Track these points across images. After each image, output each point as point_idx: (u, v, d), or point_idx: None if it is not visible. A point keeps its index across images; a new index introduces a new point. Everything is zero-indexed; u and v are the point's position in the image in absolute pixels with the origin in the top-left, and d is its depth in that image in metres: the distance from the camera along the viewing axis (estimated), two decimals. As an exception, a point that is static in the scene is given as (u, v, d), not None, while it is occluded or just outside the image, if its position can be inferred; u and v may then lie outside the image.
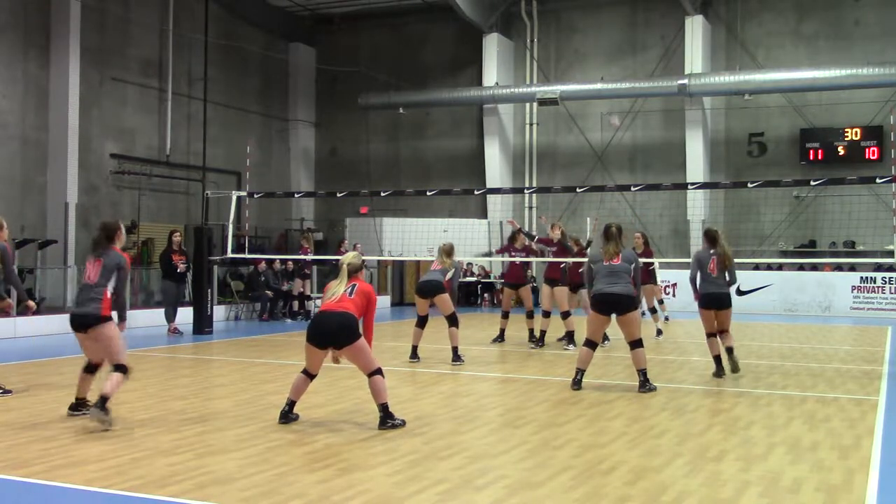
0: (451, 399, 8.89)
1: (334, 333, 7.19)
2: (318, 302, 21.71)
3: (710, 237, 10.55)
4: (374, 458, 6.21)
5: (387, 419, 7.21)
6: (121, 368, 7.31)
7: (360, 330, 7.28)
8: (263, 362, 11.88)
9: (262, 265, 19.61)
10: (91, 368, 7.71)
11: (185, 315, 16.01)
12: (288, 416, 7.44)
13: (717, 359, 10.38)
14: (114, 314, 7.52)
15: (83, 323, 7.35)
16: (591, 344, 9.51)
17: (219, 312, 18.03)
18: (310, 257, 19.53)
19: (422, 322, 11.81)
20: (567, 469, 5.95)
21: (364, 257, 8.06)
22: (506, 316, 14.33)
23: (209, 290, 16.35)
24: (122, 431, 6.99)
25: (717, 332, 10.41)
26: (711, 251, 10.41)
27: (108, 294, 7.40)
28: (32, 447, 6.45)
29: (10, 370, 11.01)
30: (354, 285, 7.42)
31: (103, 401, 7.06)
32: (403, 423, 7.27)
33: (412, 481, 5.59)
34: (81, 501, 5.27)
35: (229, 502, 5.13)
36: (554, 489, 5.47)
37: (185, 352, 13.49)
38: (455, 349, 11.72)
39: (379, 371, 7.26)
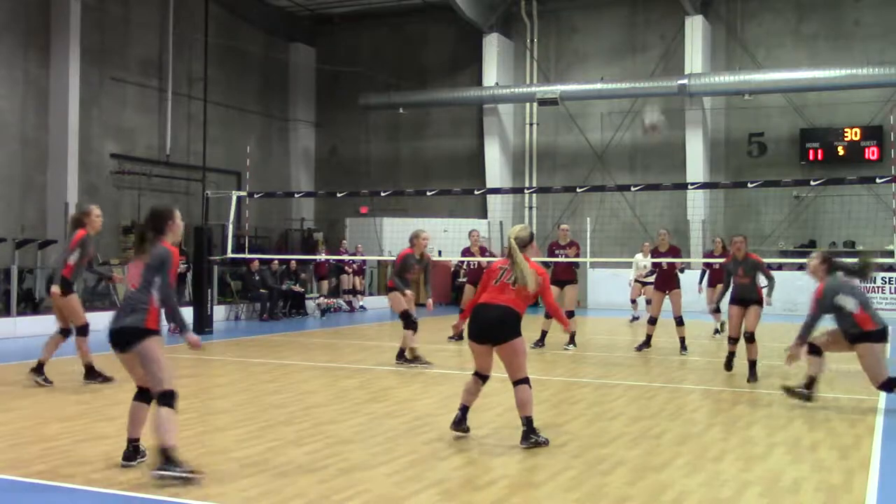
0: (451, 399, 8.87)
1: (493, 328, 6.68)
2: (320, 301, 21.95)
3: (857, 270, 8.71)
4: (374, 458, 6.21)
5: (530, 434, 6.62)
6: (166, 398, 5.64)
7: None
8: (263, 362, 11.87)
9: (256, 265, 19.61)
10: (146, 396, 5.94)
11: (184, 315, 15.95)
12: (460, 424, 6.89)
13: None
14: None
15: (120, 340, 5.79)
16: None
17: (219, 312, 18.02)
18: (324, 257, 20.28)
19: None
20: (567, 469, 5.95)
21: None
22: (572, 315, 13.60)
23: (209, 290, 16.36)
24: (122, 432, 6.97)
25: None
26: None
27: (156, 302, 5.85)
28: (32, 447, 6.45)
29: (10, 370, 11.01)
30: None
31: (165, 455, 5.47)
32: (546, 442, 6.65)
33: (412, 481, 5.59)
34: (81, 501, 5.27)
35: (229, 502, 5.13)
36: (554, 489, 5.47)
37: (185, 352, 13.44)
38: (401, 351, 11.37)
39: (526, 381, 6.68)
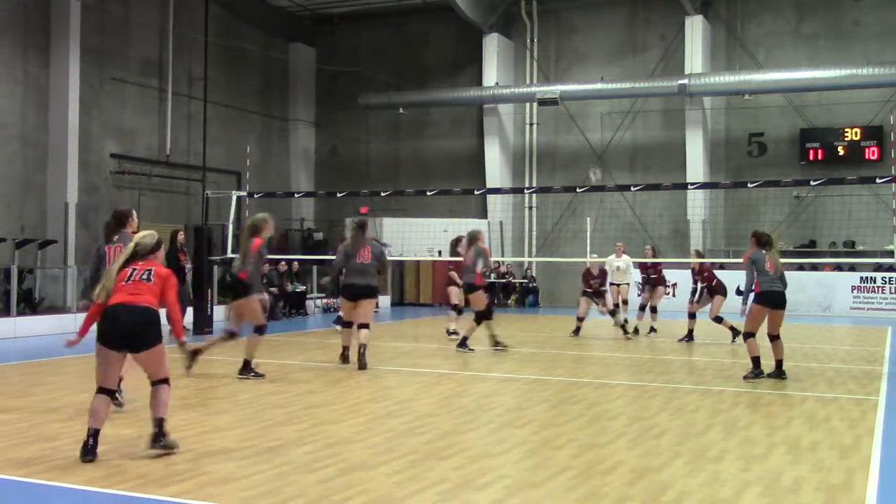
0: (451, 399, 8.89)
1: (133, 334, 6.10)
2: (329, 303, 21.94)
3: (763, 240, 10.43)
4: (374, 458, 6.21)
5: (160, 437, 6.17)
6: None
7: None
8: (263, 362, 11.86)
9: (266, 268, 19.71)
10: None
11: (184, 315, 15.98)
12: (91, 452, 5.96)
13: (757, 360, 10.26)
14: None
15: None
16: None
17: (219, 312, 18.00)
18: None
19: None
20: (567, 469, 5.95)
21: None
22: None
23: (209, 290, 16.36)
24: (122, 432, 6.97)
25: (755, 333, 10.36)
26: (764, 252, 10.32)
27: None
28: (32, 447, 6.45)
29: (10, 370, 11.02)
30: (150, 269, 6.32)
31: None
32: (176, 446, 6.24)
33: (412, 481, 5.59)
34: (81, 501, 5.27)
35: (229, 502, 5.13)
36: (554, 489, 5.47)
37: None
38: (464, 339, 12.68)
39: (167, 381, 6.29)
